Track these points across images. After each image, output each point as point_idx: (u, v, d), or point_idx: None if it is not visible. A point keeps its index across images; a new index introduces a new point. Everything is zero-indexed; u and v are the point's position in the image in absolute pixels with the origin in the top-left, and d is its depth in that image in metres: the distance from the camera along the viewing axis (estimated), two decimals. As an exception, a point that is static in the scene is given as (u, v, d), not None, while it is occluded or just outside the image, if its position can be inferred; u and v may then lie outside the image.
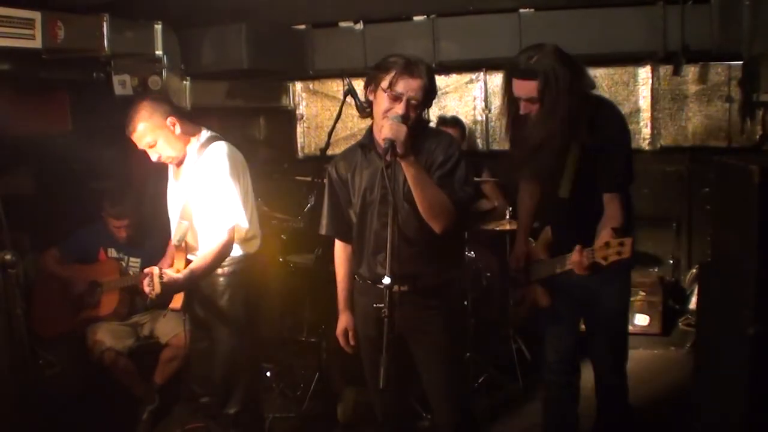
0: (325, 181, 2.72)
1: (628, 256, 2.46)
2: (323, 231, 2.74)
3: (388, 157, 2.31)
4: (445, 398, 2.67)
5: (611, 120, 2.71)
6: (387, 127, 2.34)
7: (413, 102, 2.43)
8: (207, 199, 2.85)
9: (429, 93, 2.49)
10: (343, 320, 2.76)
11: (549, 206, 2.86)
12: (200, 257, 2.84)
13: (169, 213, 3.11)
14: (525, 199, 3.06)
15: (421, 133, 2.53)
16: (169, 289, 2.72)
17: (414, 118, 2.45)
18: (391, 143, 2.31)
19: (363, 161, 2.60)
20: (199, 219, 2.91)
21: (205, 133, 2.99)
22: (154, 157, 2.93)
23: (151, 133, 2.85)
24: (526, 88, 2.58)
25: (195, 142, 2.96)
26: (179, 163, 2.99)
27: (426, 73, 2.46)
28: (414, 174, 2.39)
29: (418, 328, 2.56)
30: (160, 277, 2.66)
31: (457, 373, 2.71)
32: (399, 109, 2.43)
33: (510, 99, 2.70)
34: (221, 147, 2.90)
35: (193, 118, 3.08)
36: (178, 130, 2.89)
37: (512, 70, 2.64)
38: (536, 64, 2.55)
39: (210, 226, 2.86)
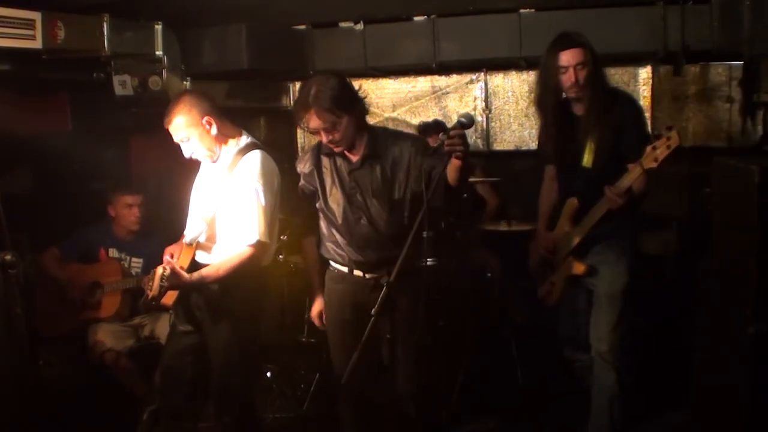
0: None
1: (677, 142, 2.71)
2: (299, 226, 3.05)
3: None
4: (408, 372, 2.83)
5: (629, 99, 3.14)
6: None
7: (326, 127, 2.58)
8: (236, 209, 2.77)
9: (335, 109, 2.55)
10: (318, 304, 3.04)
11: (573, 178, 3.12)
12: (215, 265, 2.77)
13: (189, 207, 3.02)
14: (549, 191, 3.31)
15: (375, 137, 2.71)
16: (173, 285, 2.67)
17: (336, 121, 2.58)
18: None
19: (331, 163, 2.78)
20: (222, 225, 2.84)
21: (245, 139, 2.91)
22: (186, 153, 2.87)
23: (186, 128, 2.79)
24: (576, 54, 2.90)
25: (233, 145, 2.89)
26: (212, 162, 2.92)
27: (316, 97, 2.55)
28: (462, 166, 2.49)
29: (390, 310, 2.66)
30: (162, 278, 2.59)
31: (418, 351, 2.86)
32: (324, 139, 2.63)
33: (549, 81, 3.00)
34: (259, 157, 2.82)
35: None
36: (214, 130, 2.82)
37: (558, 44, 2.95)
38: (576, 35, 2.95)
39: (233, 236, 2.78)
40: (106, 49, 3.86)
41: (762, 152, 4.22)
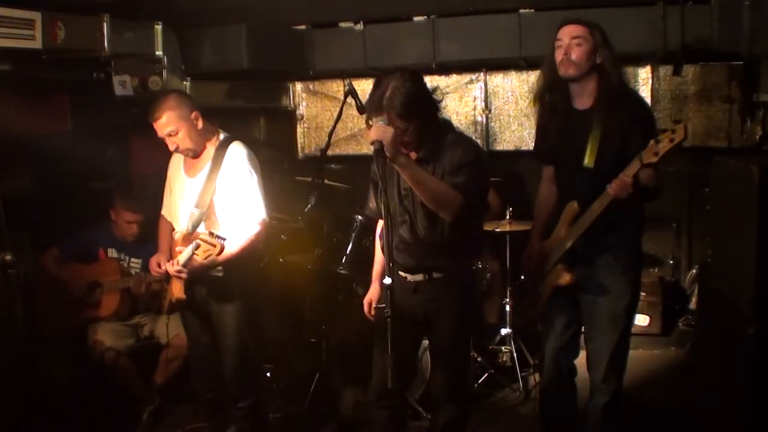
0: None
1: (683, 137, 2.44)
2: (368, 212, 2.94)
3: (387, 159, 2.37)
4: (446, 380, 2.84)
5: (637, 99, 2.92)
6: (373, 130, 2.40)
7: (398, 128, 2.46)
8: (238, 194, 3.00)
9: (407, 115, 2.49)
10: (373, 290, 2.96)
11: (573, 179, 2.86)
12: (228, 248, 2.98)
13: (175, 206, 3.18)
14: (547, 195, 3.07)
15: (439, 138, 2.63)
16: (193, 269, 2.91)
17: (407, 126, 2.50)
18: (381, 145, 2.34)
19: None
20: (224, 213, 3.05)
21: (223, 134, 3.14)
22: (172, 147, 3.04)
23: (175, 123, 2.97)
24: (574, 29, 2.82)
25: (214, 140, 3.10)
26: (194, 157, 3.09)
27: (390, 100, 2.46)
28: (409, 174, 2.45)
29: (430, 314, 2.74)
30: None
31: (459, 362, 2.85)
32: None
33: (550, 62, 2.86)
34: (242, 147, 3.07)
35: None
36: (200, 124, 3.03)
37: (562, 22, 2.88)
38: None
39: (240, 220, 3.00)
40: (106, 49, 3.86)
41: (762, 152, 4.23)
